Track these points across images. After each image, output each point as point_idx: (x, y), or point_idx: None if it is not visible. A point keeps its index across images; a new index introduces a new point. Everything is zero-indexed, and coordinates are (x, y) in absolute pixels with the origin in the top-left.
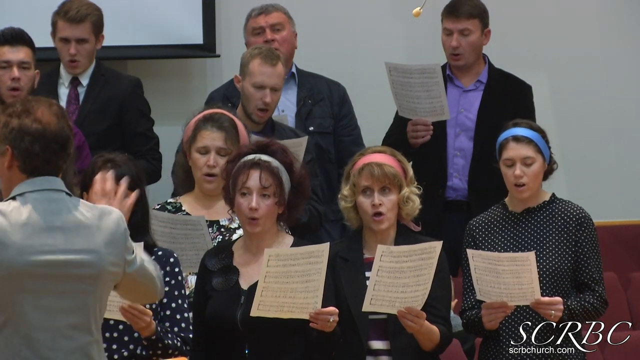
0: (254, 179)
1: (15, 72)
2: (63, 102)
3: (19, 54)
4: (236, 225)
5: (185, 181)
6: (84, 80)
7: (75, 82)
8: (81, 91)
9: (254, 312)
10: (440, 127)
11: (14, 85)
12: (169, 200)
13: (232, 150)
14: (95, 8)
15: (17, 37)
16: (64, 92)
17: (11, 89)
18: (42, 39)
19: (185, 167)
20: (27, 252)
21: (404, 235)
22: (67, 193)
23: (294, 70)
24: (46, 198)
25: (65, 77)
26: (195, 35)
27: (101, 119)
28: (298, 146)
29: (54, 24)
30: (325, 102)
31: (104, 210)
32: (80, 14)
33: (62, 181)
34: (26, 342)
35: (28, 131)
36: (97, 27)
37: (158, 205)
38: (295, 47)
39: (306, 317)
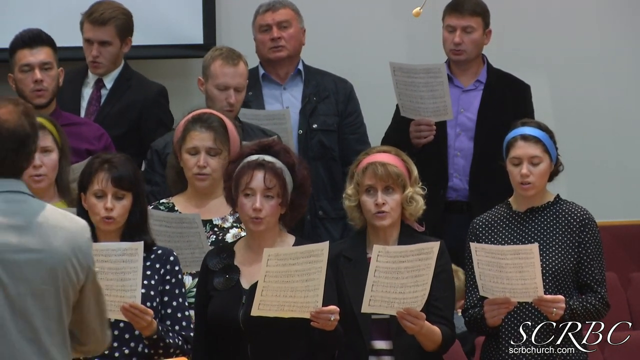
0: (258, 179)
1: (37, 74)
2: (85, 102)
3: (39, 55)
4: (229, 225)
5: (177, 182)
6: (108, 83)
7: (99, 84)
8: (104, 93)
9: (255, 312)
10: (440, 128)
11: (38, 87)
12: (161, 201)
13: (222, 149)
14: (123, 12)
15: (35, 39)
16: (87, 92)
17: (35, 91)
18: (73, 38)
19: (177, 168)
20: None
21: (407, 236)
22: (30, 195)
23: (300, 67)
24: (4, 199)
25: (91, 77)
26: (195, 35)
27: (119, 123)
28: (281, 118)
29: (81, 24)
30: (331, 100)
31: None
32: (103, 17)
33: (23, 183)
34: None
35: None
36: (122, 30)
37: (151, 205)
38: (303, 44)
39: (307, 316)
